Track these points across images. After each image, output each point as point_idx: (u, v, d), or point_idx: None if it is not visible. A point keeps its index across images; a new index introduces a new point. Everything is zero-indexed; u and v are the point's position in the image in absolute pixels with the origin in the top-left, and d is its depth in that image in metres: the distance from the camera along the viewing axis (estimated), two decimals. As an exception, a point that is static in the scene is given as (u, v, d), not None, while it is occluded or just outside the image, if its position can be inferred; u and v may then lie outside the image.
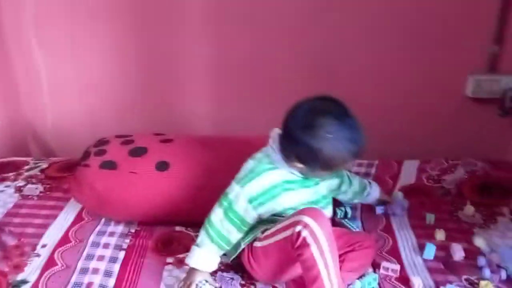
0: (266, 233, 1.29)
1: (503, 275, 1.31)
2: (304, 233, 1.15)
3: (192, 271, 1.31)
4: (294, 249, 1.17)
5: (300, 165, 1.29)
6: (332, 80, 1.91)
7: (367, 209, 1.64)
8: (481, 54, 1.94)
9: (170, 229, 1.56)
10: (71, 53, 2.02)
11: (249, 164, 1.34)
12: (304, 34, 1.95)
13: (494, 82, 1.94)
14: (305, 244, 1.15)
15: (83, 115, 2.12)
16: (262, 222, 1.34)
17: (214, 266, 1.33)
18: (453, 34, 1.91)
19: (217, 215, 1.31)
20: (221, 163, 1.54)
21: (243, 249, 1.34)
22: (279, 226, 1.25)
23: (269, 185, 1.31)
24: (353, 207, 1.61)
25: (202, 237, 1.32)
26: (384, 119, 2.02)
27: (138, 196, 1.53)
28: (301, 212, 1.21)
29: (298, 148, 1.25)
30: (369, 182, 1.60)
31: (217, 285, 1.32)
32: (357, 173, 1.82)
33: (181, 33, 1.96)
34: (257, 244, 1.31)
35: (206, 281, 1.31)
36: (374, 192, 1.60)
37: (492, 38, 1.90)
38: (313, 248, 1.15)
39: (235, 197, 1.31)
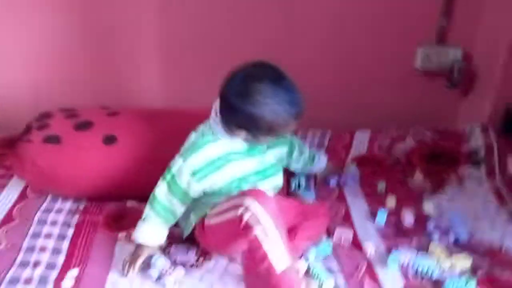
0: (213, 211, 1.27)
1: (451, 238, 1.36)
2: (246, 216, 1.14)
3: (139, 246, 1.29)
4: (239, 231, 1.16)
5: (242, 133, 1.27)
6: (285, 52, 1.88)
7: (320, 179, 1.65)
8: (430, 27, 1.97)
9: (121, 204, 1.52)
10: (11, 22, 1.89)
11: (192, 137, 1.33)
12: (257, 8, 1.91)
13: (442, 54, 1.98)
14: (248, 227, 1.13)
15: (26, 88, 2.00)
16: (211, 196, 1.32)
17: (161, 240, 1.31)
18: (402, 7, 1.92)
19: (161, 189, 1.30)
20: (169, 135, 1.50)
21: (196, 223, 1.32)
22: (223, 206, 1.23)
23: (212, 157, 1.29)
24: (307, 178, 1.62)
25: (147, 211, 1.30)
26: (337, 91, 2.03)
27: (85, 171, 1.48)
28: (243, 193, 1.20)
29: (238, 116, 1.23)
30: (316, 152, 1.63)
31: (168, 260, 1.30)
32: (310, 144, 1.84)
33: (128, 3, 1.88)
34: (206, 221, 1.29)
35: (158, 256, 1.29)
36: (322, 159, 1.62)
37: (440, 11, 1.93)
38: (257, 231, 1.13)
39: (178, 171, 1.29)
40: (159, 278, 1.25)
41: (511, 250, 1.33)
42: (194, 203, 1.33)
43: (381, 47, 1.99)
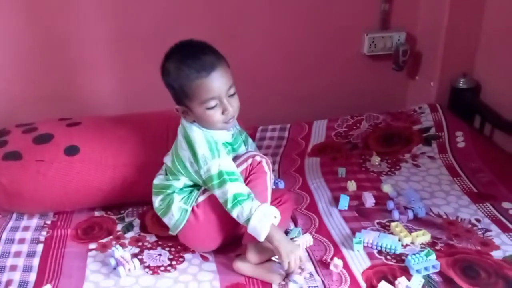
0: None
1: (410, 215, 1.44)
2: (263, 162, 1.32)
3: (274, 235, 1.22)
4: (250, 174, 1.30)
5: (179, 108, 1.30)
6: (235, 46, 1.86)
7: (284, 169, 1.70)
8: (373, 13, 2.04)
9: (89, 215, 1.53)
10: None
11: (196, 143, 1.29)
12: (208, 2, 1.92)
13: (387, 39, 2.07)
14: (262, 171, 1.31)
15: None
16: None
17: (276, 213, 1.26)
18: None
19: (232, 187, 1.24)
20: (132, 140, 1.53)
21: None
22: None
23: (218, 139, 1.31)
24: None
25: (248, 209, 1.22)
26: (292, 84, 2.08)
27: (49, 185, 1.47)
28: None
29: (171, 92, 1.31)
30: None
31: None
32: (271, 137, 1.88)
33: (77, 9, 1.84)
34: (204, 196, 1.32)
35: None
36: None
37: (382, -3, 2.00)
38: (268, 177, 1.32)
39: (224, 166, 1.26)
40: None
41: (465, 220, 1.43)
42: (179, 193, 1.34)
43: (331, 37, 2.05)
